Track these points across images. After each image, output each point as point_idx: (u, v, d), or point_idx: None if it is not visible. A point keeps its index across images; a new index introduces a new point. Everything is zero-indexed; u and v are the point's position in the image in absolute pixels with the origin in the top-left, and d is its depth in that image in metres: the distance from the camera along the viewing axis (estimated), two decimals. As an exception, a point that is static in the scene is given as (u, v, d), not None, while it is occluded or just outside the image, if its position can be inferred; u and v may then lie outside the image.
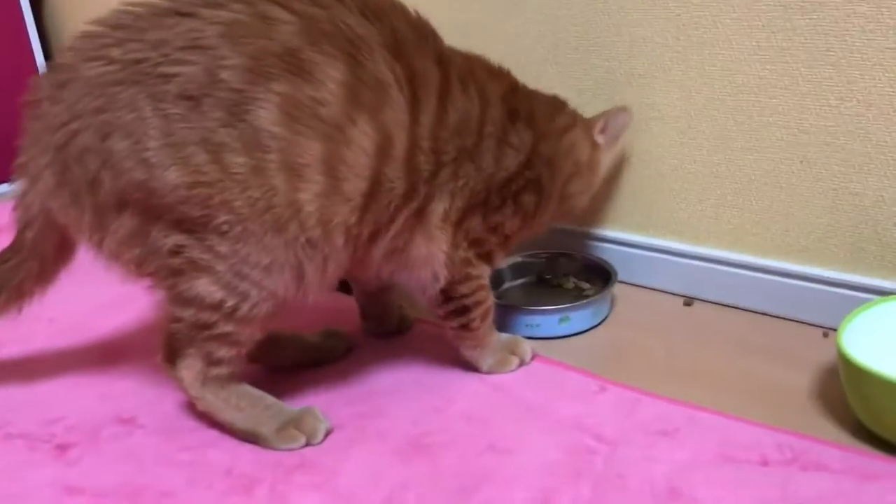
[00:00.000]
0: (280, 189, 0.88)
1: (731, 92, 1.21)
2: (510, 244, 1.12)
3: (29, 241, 1.00)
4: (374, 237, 0.97)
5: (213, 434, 1.02)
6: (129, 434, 1.03)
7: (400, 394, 1.09)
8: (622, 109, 1.23)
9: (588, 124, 1.20)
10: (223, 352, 0.96)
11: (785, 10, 1.12)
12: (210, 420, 1.02)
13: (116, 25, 0.90)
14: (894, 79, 1.07)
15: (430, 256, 1.02)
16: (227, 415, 1.00)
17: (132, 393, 1.12)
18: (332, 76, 0.88)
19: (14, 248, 1.02)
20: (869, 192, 1.13)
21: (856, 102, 1.11)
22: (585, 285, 1.34)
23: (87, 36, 0.91)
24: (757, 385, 1.08)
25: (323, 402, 1.05)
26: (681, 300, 1.33)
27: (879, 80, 1.08)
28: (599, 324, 1.26)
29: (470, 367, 1.12)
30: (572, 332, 1.23)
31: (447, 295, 1.06)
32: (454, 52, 1.03)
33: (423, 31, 0.99)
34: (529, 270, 1.40)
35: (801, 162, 1.18)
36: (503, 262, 1.23)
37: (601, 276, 1.32)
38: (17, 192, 0.98)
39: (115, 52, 0.87)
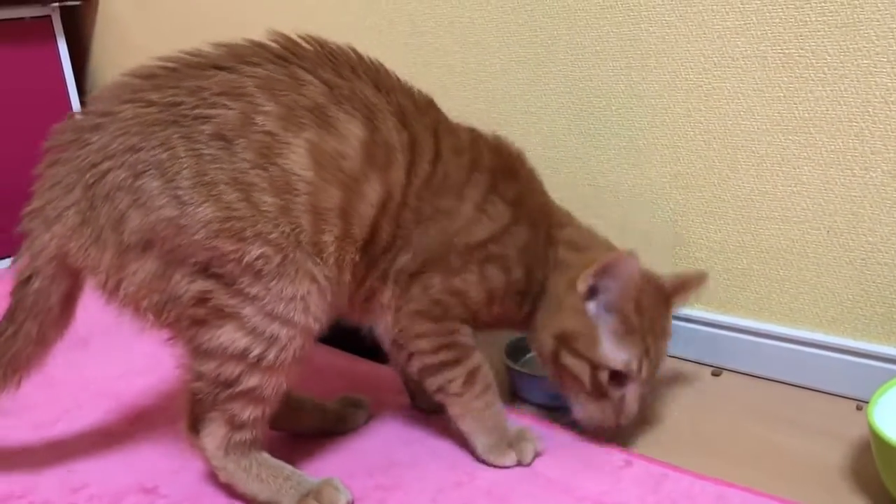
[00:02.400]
0: (306, 229, 0.92)
1: (755, 162, 1.21)
2: (480, 320, 1.07)
3: (32, 294, 0.96)
4: (362, 281, 1.02)
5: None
6: (153, 500, 1.03)
7: (420, 466, 1.07)
8: (629, 256, 1.00)
9: (583, 257, 1.07)
10: (248, 412, 0.96)
11: (806, 82, 1.13)
12: (231, 492, 1.01)
13: (149, 76, 0.94)
14: (919, 149, 1.07)
15: (385, 305, 1.04)
16: (249, 486, 0.99)
17: (155, 461, 1.12)
18: (354, 133, 0.95)
19: (10, 314, 0.99)
20: (898, 263, 1.12)
21: (881, 172, 1.10)
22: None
23: (119, 85, 0.94)
24: (787, 460, 1.06)
25: (342, 472, 1.04)
26: (708, 370, 1.31)
27: (906, 149, 1.08)
28: (625, 394, 1.24)
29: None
30: (597, 402, 1.21)
31: (405, 349, 1.06)
32: (453, 125, 1.08)
33: (423, 106, 1.05)
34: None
35: (828, 232, 1.17)
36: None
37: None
38: (25, 242, 0.95)
39: (153, 96, 0.91)
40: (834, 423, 1.13)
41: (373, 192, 0.97)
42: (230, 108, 0.90)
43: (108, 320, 1.03)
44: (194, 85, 0.91)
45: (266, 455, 1.01)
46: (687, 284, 1.12)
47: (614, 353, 1.03)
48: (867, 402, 0.97)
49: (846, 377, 1.18)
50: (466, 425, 1.07)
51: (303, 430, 1.16)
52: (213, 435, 0.98)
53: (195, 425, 1.00)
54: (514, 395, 1.27)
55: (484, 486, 1.02)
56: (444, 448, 1.11)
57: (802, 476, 1.02)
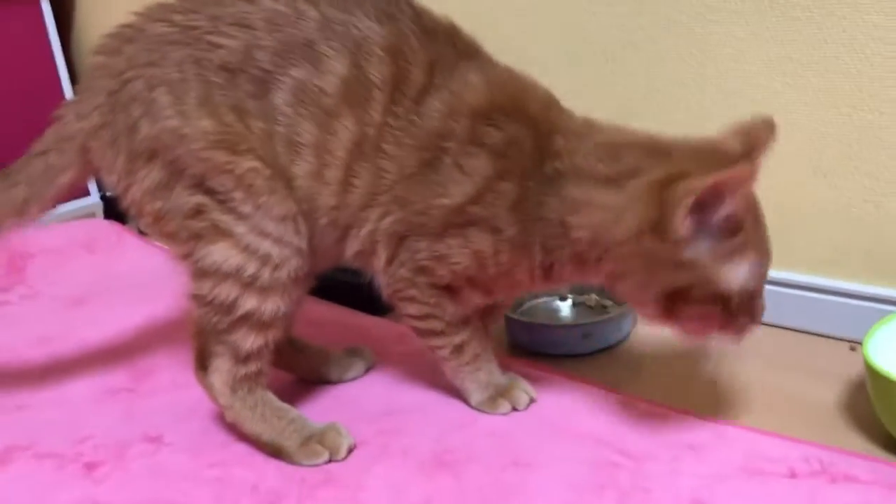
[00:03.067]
0: (281, 157, 0.96)
1: (748, 106, 1.21)
2: (478, 287, 1.00)
3: (41, 164, 1.04)
4: (346, 232, 1.00)
5: (239, 451, 1.02)
6: (155, 452, 1.04)
7: (423, 411, 1.09)
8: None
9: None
10: (250, 341, 0.98)
11: (795, 22, 1.13)
12: (237, 433, 1.03)
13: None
14: (912, 88, 1.07)
15: (380, 266, 1.02)
16: (254, 426, 1.01)
17: (159, 412, 1.13)
18: (336, 70, 0.95)
19: (6, 172, 1.06)
20: (886, 202, 1.13)
21: (867, 110, 1.11)
22: (608, 302, 1.34)
23: (160, 5, 1.01)
24: (784, 400, 1.08)
25: (346, 418, 1.05)
26: (704, 316, 1.32)
27: (891, 87, 1.08)
28: (623, 340, 1.26)
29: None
30: (595, 348, 1.23)
31: (398, 310, 1.05)
32: (462, 60, 0.97)
33: (435, 35, 0.97)
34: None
35: (820, 173, 1.18)
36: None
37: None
38: (54, 126, 1.03)
39: (177, 17, 0.97)
40: (829, 363, 1.15)
41: (343, 130, 0.94)
42: (236, 39, 0.95)
43: (102, 283, 1.04)
44: (213, 12, 0.97)
45: (272, 396, 1.03)
46: (758, 144, 0.90)
47: (742, 277, 0.88)
48: (860, 343, 0.99)
49: (840, 319, 1.20)
50: (458, 382, 1.08)
51: (305, 374, 1.17)
52: (220, 370, 1.00)
53: (203, 363, 1.03)
54: (512, 342, 1.28)
55: (486, 427, 1.04)
56: (446, 394, 1.12)
57: (799, 414, 1.04)
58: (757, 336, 1.23)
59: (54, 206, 1.08)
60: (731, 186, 0.82)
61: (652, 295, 0.91)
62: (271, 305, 0.97)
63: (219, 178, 0.94)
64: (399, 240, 0.99)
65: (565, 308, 1.37)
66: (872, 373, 0.94)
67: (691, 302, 0.89)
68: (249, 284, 0.95)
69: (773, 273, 1.24)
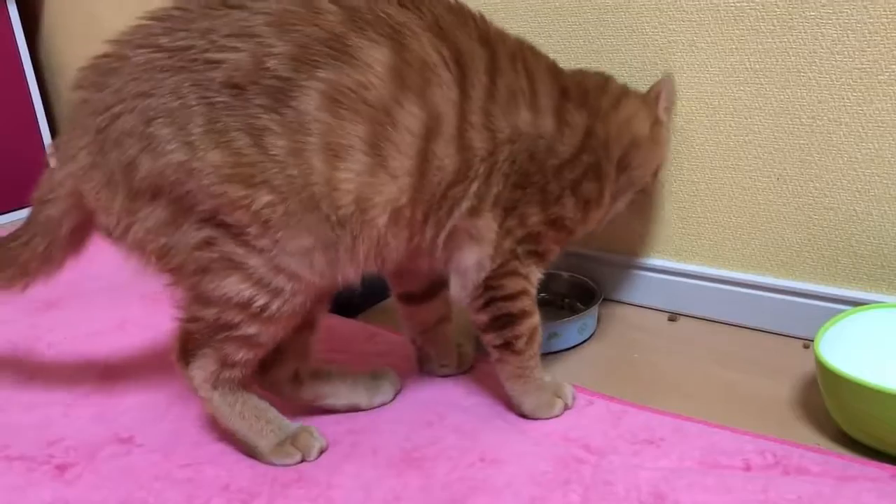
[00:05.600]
0: (317, 168, 0.89)
1: (708, 113, 1.25)
2: (568, 241, 1.08)
3: (44, 218, 1.01)
4: (426, 217, 0.97)
5: (211, 451, 1.04)
6: (127, 453, 1.05)
7: (392, 411, 1.11)
8: (668, 77, 1.21)
9: (645, 97, 1.16)
10: (241, 354, 0.97)
11: (756, 34, 1.17)
12: (214, 426, 1.04)
13: (164, 17, 0.92)
14: (861, 98, 1.12)
15: (480, 239, 1.00)
16: (231, 422, 1.01)
17: (130, 412, 1.14)
18: (377, 59, 0.89)
19: (26, 225, 1.04)
20: (842, 207, 1.18)
21: (827, 120, 1.15)
22: (575, 303, 1.38)
23: (136, 28, 0.93)
24: (740, 396, 1.11)
25: (318, 420, 1.07)
26: (665, 316, 1.36)
27: (848, 98, 1.13)
28: (587, 340, 1.29)
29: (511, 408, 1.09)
30: (560, 347, 1.26)
31: (490, 292, 1.02)
32: (501, 33, 1.02)
33: (463, 14, 0.99)
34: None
35: (778, 179, 1.22)
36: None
37: (588, 293, 1.36)
38: (47, 172, 1.00)
39: (163, 41, 0.89)
40: (783, 360, 1.19)
41: (408, 116, 0.91)
42: (240, 51, 0.87)
43: (75, 286, 1.04)
44: (204, 27, 0.88)
45: (253, 396, 1.03)
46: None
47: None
48: (813, 341, 1.03)
49: (794, 318, 1.24)
50: (519, 386, 1.06)
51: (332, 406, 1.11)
52: (203, 368, 0.99)
53: (185, 357, 1.02)
54: (479, 340, 1.31)
55: (453, 425, 1.06)
56: (416, 393, 1.15)
57: (754, 409, 1.08)
58: (715, 334, 1.29)
59: (81, 248, 1.06)
60: (671, 88, 1.20)
61: (651, 170, 1.17)
62: (272, 331, 0.96)
63: (233, 214, 0.89)
64: (504, 210, 1.00)
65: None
66: (823, 369, 0.98)
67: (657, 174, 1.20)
68: (257, 314, 0.93)
69: (730, 273, 1.30)
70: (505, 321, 1.04)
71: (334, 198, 0.90)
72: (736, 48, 1.20)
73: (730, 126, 1.24)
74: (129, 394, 1.19)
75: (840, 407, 0.99)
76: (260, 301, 0.92)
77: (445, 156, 0.94)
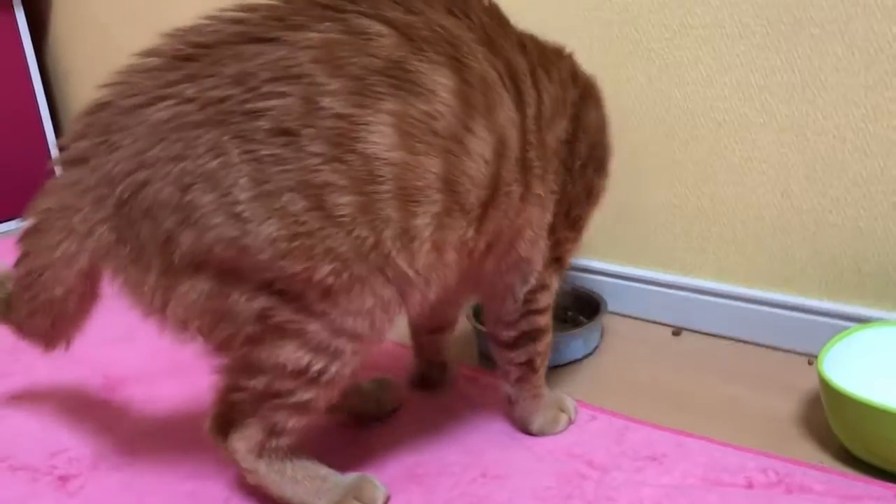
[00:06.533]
0: (392, 219, 0.79)
1: (713, 128, 1.25)
2: (580, 241, 1.05)
3: (45, 298, 0.87)
4: (490, 246, 0.91)
5: (214, 465, 1.04)
6: (129, 465, 1.05)
7: (394, 426, 1.11)
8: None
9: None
10: (292, 422, 0.87)
11: (761, 51, 1.17)
12: (261, 494, 0.94)
13: (182, 58, 0.78)
14: (866, 115, 1.12)
15: (530, 259, 0.96)
16: (284, 488, 0.91)
17: (133, 425, 1.14)
18: (442, 84, 0.79)
19: (20, 298, 0.90)
20: (847, 223, 1.17)
21: (831, 137, 1.15)
22: (577, 316, 1.38)
23: (143, 70, 0.79)
24: (743, 412, 1.11)
25: (320, 439, 1.07)
26: (669, 330, 1.36)
27: (853, 115, 1.13)
28: (590, 353, 1.29)
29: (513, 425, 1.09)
30: (563, 361, 1.26)
31: (526, 305, 0.99)
32: (525, 34, 0.95)
33: (499, 17, 0.91)
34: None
35: (782, 195, 1.22)
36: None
37: (592, 306, 1.36)
38: (40, 236, 0.84)
39: (189, 91, 0.76)
40: (786, 376, 1.19)
41: (482, 144, 0.82)
42: (288, 96, 0.75)
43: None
44: (237, 71, 0.75)
45: (301, 456, 0.93)
46: None
47: None
48: (817, 357, 1.02)
49: (798, 334, 1.24)
50: (533, 405, 1.06)
51: (342, 409, 1.09)
52: (248, 439, 0.89)
53: (225, 428, 0.90)
54: (482, 354, 1.31)
55: (455, 442, 1.06)
56: (416, 408, 1.14)
57: (757, 426, 1.07)
58: (718, 349, 1.29)
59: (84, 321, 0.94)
60: None
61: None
62: (328, 395, 0.87)
63: (291, 285, 0.78)
64: (550, 227, 0.97)
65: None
66: (827, 388, 0.98)
67: None
68: (314, 380, 0.84)
69: (734, 288, 1.30)
70: (532, 336, 1.02)
71: (413, 249, 0.81)
72: (740, 64, 1.20)
73: (735, 142, 1.24)
74: (131, 405, 1.19)
75: (844, 425, 0.99)
76: (318, 366, 0.83)
77: (513, 181, 0.87)
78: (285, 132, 0.74)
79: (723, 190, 1.27)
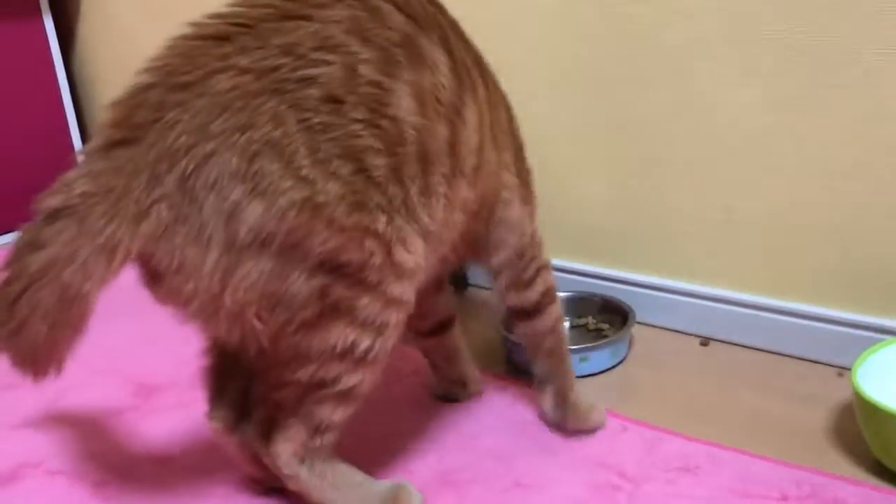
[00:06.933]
0: (417, 176, 0.85)
1: (739, 139, 1.25)
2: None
3: (76, 298, 0.76)
4: (478, 210, 1.01)
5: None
6: (163, 470, 1.06)
7: (425, 433, 1.12)
8: None
9: None
10: (338, 414, 0.88)
11: (788, 63, 1.17)
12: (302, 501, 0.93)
13: (223, 37, 0.80)
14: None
15: (510, 218, 1.05)
16: (326, 494, 0.91)
17: (165, 431, 1.15)
18: (442, 61, 0.89)
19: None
20: (877, 235, 1.17)
21: (855, 148, 1.15)
22: (604, 325, 1.38)
23: (184, 52, 0.79)
24: (774, 424, 1.11)
25: (348, 441, 1.08)
26: (697, 340, 1.36)
27: (887, 126, 1.13)
28: (618, 364, 1.29)
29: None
30: (592, 371, 1.26)
31: (535, 263, 1.07)
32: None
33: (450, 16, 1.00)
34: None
35: (809, 205, 1.22)
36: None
37: (619, 316, 1.36)
38: (91, 233, 0.75)
39: (243, 61, 0.78)
40: (816, 388, 1.18)
41: (472, 115, 0.93)
42: (332, 64, 0.80)
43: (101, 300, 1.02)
44: (284, 42, 0.79)
45: (339, 461, 0.93)
46: None
47: None
48: (848, 369, 1.02)
49: (827, 345, 1.24)
50: (564, 401, 1.09)
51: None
52: (291, 441, 0.89)
53: (269, 433, 0.90)
54: (510, 363, 1.31)
55: (488, 447, 1.07)
56: (445, 413, 1.15)
57: (789, 438, 1.07)
58: (747, 360, 1.28)
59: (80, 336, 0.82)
60: None
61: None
62: (371, 377, 0.88)
63: (352, 251, 0.81)
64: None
65: (562, 331, 1.40)
66: (861, 400, 0.98)
67: None
68: (360, 360, 0.85)
69: (762, 299, 1.29)
70: (550, 296, 1.09)
71: (431, 206, 0.88)
72: (766, 73, 1.20)
73: (759, 152, 1.24)
74: (162, 411, 1.20)
75: (878, 438, 0.99)
76: (364, 343, 0.84)
77: (489, 149, 0.98)
78: (334, 99, 0.79)
79: (751, 199, 1.27)
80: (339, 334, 0.83)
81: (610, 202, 1.42)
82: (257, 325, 0.80)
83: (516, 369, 1.29)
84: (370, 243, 0.82)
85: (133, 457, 1.09)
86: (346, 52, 0.81)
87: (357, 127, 0.80)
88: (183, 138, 0.76)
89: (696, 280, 1.37)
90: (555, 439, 1.08)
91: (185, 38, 0.81)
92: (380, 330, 0.85)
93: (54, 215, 0.76)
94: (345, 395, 0.87)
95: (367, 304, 0.83)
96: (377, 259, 0.82)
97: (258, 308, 0.79)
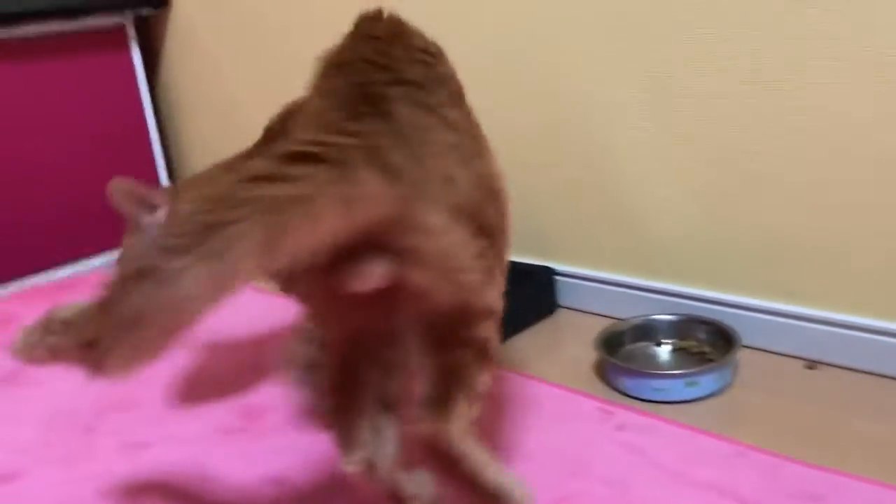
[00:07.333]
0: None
1: (848, 163, 1.23)
2: None
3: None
4: None
5: (371, 494, 1.04)
6: (282, 494, 1.07)
7: (534, 458, 1.11)
8: None
9: None
10: (485, 380, 0.89)
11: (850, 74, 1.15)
12: (467, 484, 0.88)
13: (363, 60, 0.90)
14: None
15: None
16: (487, 472, 0.88)
17: (278, 452, 1.16)
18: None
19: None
20: None
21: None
22: (707, 349, 1.36)
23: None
24: (889, 450, 1.08)
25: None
26: (801, 363, 1.33)
27: None
28: (724, 388, 1.27)
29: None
30: (699, 395, 1.24)
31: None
32: None
33: None
34: (649, 333, 1.42)
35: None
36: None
37: (722, 339, 1.34)
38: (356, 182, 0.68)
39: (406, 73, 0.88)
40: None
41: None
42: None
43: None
44: (402, 54, 0.90)
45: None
46: None
47: None
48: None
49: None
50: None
51: None
52: (461, 417, 0.87)
53: (442, 412, 0.87)
54: (610, 387, 1.30)
55: (601, 474, 1.06)
56: (554, 439, 1.14)
57: (912, 465, 1.04)
58: (858, 384, 1.25)
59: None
60: None
61: None
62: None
63: (498, 215, 0.89)
64: None
65: (663, 353, 1.39)
66: None
67: None
68: (496, 314, 0.91)
69: (871, 321, 1.26)
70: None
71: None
72: (823, 97, 1.18)
73: (867, 166, 1.21)
74: (271, 432, 1.22)
75: None
76: (499, 304, 0.92)
77: None
78: (461, 96, 0.93)
79: (858, 219, 1.24)
80: (490, 294, 0.88)
81: (710, 221, 1.40)
82: (455, 285, 0.81)
83: (614, 392, 1.28)
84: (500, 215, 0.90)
85: (248, 479, 1.10)
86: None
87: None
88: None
89: (800, 302, 1.34)
90: (671, 465, 1.06)
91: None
92: (500, 287, 0.91)
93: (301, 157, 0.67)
94: (490, 354, 0.90)
95: (494, 265, 0.88)
96: (498, 230, 0.89)
97: (459, 275, 0.81)
